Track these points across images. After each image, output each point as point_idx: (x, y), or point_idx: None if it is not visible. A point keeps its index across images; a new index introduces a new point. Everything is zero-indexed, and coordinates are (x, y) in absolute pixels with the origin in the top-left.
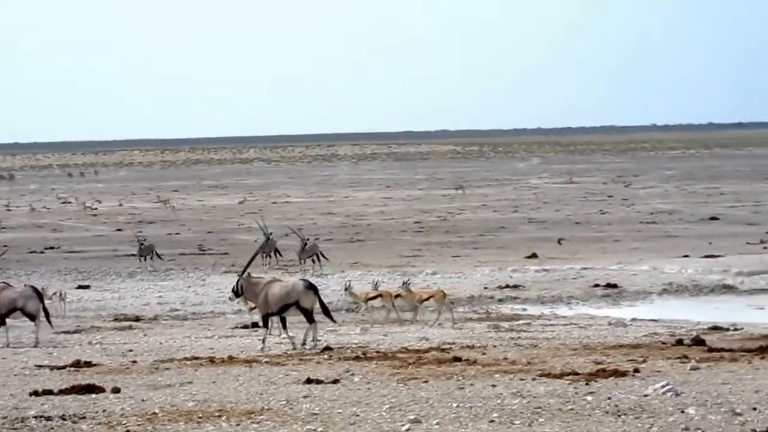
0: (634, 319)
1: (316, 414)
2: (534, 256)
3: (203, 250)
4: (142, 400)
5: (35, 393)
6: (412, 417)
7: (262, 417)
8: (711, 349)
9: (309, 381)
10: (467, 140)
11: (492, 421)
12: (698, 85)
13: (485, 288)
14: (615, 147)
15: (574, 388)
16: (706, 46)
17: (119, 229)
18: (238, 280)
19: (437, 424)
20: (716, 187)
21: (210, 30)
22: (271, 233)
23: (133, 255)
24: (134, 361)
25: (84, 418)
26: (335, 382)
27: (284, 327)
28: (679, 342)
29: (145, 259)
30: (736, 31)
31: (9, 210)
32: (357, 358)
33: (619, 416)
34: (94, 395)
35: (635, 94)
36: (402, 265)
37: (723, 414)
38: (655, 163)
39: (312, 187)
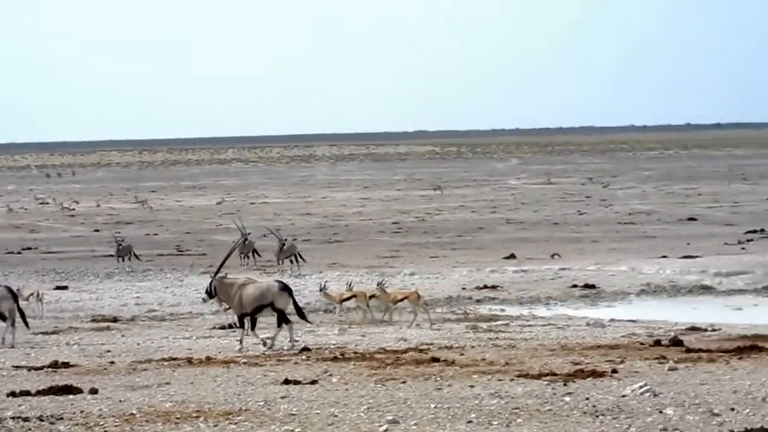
0: (612, 320)
1: (294, 415)
2: (512, 256)
3: (181, 251)
4: (120, 401)
5: (13, 394)
6: (390, 418)
7: (240, 418)
8: (689, 350)
9: (287, 382)
10: (445, 141)
11: (470, 421)
12: (676, 87)
13: (463, 288)
14: (593, 148)
15: (552, 388)
16: (686, 49)
17: (97, 230)
18: (212, 282)
19: (415, 424)
20: (694, 187)
21: (188, 30)
22: (248, 234)
23: (111, 256)
24: (112, 362)
25: (62, 419)
26: (313, 382)
27: (253, 328)
28: (657, 342)
29: (123, 260)
30: (714, 34)
31: None
32: (335, 359)
33: (597, 417)
34: (71, 396)
35: (613, 95)
36: (380, 266)
37: (701, 414)
38: (634, 164)
39: (290, 187)
